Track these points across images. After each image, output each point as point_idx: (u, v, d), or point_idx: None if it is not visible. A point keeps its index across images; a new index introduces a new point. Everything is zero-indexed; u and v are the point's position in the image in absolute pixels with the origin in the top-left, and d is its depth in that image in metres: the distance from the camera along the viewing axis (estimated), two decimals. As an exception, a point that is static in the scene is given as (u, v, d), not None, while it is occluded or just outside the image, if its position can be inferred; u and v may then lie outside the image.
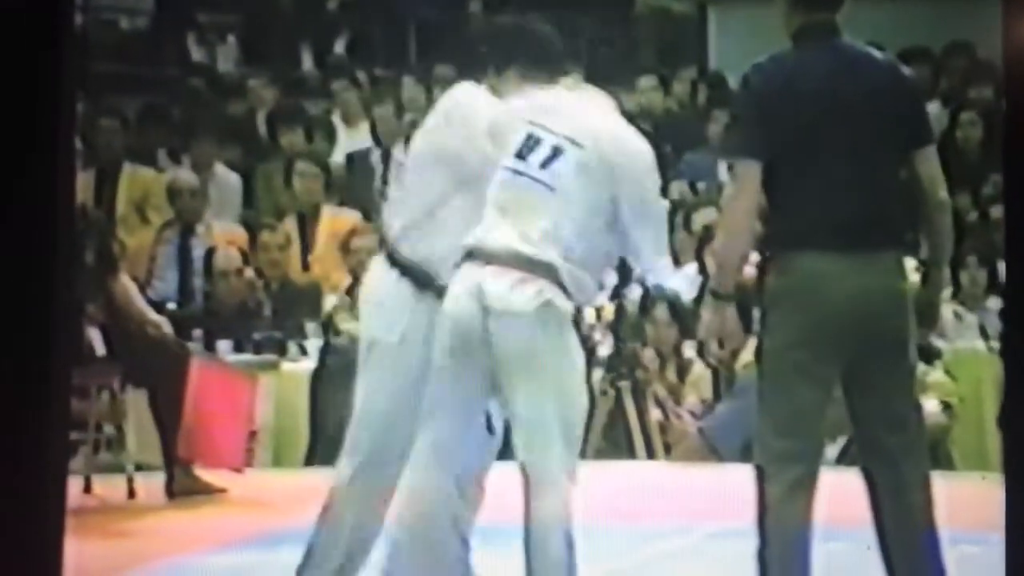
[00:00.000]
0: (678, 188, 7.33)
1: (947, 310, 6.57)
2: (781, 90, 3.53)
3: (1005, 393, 3.37)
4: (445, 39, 8.42)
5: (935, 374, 6.06)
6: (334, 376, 6.13)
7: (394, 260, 3.79)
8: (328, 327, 6.45)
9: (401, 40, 9.13)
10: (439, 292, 3.69)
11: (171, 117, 8.19)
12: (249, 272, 6.85)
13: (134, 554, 4.91)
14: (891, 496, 3.63)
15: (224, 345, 6.55)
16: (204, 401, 5.79)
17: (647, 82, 8.13)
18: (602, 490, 4.93)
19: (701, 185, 7.50)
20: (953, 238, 3.67)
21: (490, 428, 3.66)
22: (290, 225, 7.23)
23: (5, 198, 2.92)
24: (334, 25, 9.32)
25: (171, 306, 6.76)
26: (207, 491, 5.69)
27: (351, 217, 7.16)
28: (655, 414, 6.16)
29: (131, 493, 5.73)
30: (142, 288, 6.33)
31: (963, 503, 4.47)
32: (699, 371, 6.22)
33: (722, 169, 7.35)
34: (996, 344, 6.23)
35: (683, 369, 6.27)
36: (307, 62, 9.21)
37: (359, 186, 7.58)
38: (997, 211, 6.86)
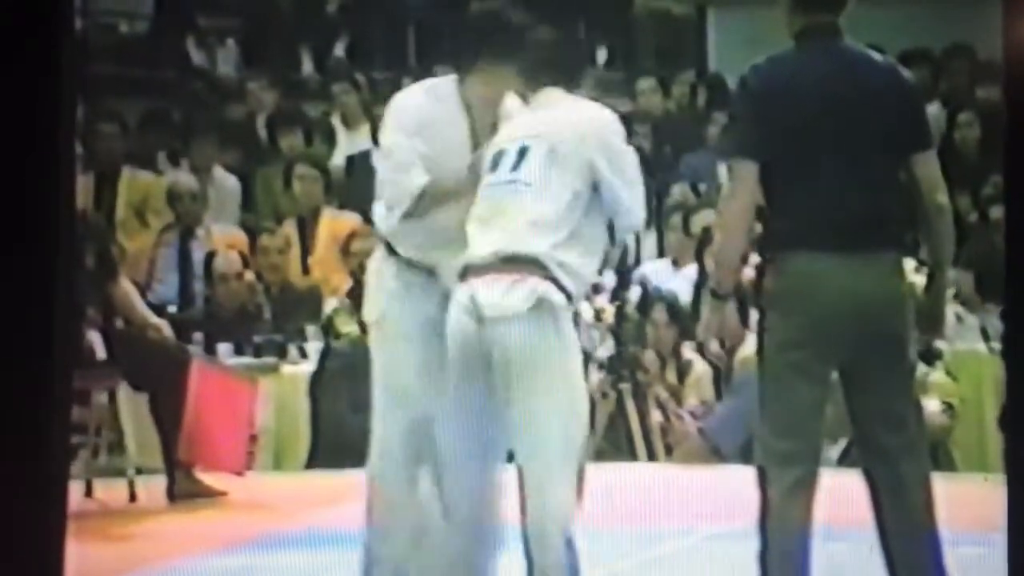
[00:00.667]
0: (679, 190, 7.33)
1: (948, 311, 6.57)
2: (779, 91, 3.55)
3: (1007, 394, 3.38)
4: (444, 41, 8.42)
5: (936, 375, 6.06)
6: (334, 379, 6.13)
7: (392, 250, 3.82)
8: (328, 330, 6.45)
9: (401, 43, 9.13)
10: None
11: (171, 121, 8.19)
12: (249, 275, 6.85)
13: (135, 557, 4.92)
14: (891, 496, 3.64)
15: (224, 348, 6.56)
16: (205, 404, 5.79)
17: (646, 84, 8.13)
18: (603, 492, 4.93)
19: (702, 187, 7.50)
20: (954, 242, 3.68)
21: None
22: (290, 228, 7.23)
23: (5, 202, 2.92)
24: (333, 28, 9.32)
25: (171, 309, 6.77)
26: (208, 494, 5.69)
27: (351, 220, 7.16)
28: (656, 415, 6.17)
29: (132, 496, 5.73)
30: (142, 291, 6.33)
31: (964, 504, 4.47)
32: (699, 372, 6.23)
33: (722, 171, 7.34)
34: (997, 345, 6.23)
35: (683, 370, 6.27)
36: (307, 65, 9.21)
37: (359, 189, 7.58)
38: (997, 212, 6.87)
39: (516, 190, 3.62)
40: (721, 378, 6.20)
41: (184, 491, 5.67)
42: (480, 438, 3.66)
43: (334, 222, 7.22)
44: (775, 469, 3.57)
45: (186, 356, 5.86)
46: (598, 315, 6.01)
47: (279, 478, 6.20)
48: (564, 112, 3.68)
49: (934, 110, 8.01)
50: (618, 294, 6.18)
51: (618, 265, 6.40)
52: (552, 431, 3.59)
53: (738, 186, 3.55)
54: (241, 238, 7.31)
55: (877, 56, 3.67)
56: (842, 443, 6.13)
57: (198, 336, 6.52)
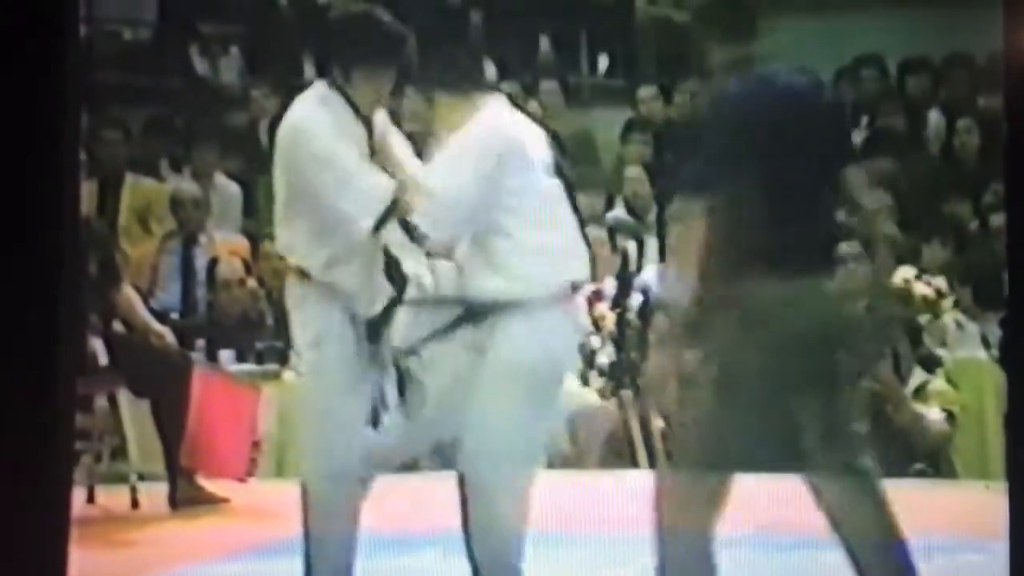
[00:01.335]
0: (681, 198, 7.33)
1: (948, 319, 6.58)
2: (720, 123, 3.59)
3: (1008, 401, 3.38)
4: (447, 50, 8.42)
5: (936, 383, 6.07)
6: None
7: None
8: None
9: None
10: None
11: (173, 127, 8.20)
12: (251, 282, 6.86)
13: (137, 564, 4.92)
14: (842, 510, 3.63)
15: (227, 355, 6.56)
16: (207, 411, 5.79)
17: (647, 92, 8.14)
18: (605, 498, 4.93)
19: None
20: (891, 250, 3.71)
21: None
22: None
23: (9, 208, 2.93)
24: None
25: (174, 316, 6.77)
26: (210, 501, 5.69)
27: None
28: (657, 422, 6.17)
29: (134, 503, 5.74)
30: (145, 298, 6.34)
31: (965, 511, 4.48)
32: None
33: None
34: (997, 353, 6.24)
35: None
36: (309, 72, 9.22)
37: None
38: (997, 220, 6.88)
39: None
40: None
41: (186, 498, 5.67)
42: None
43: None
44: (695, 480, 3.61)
45: (188, 363, 5.86)
46: (598, 322, 6.02)
47: (281, 485, 6.19)
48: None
49: (934, 117, 8.03)
50: (619, 301, 6.18)
51: (619, 272, 6.41)
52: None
53: (691, 222, 3.61)
54: (243, 245, 7.31)
55: (800, 77, 3.68)
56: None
57: (200, 343, 6.53)
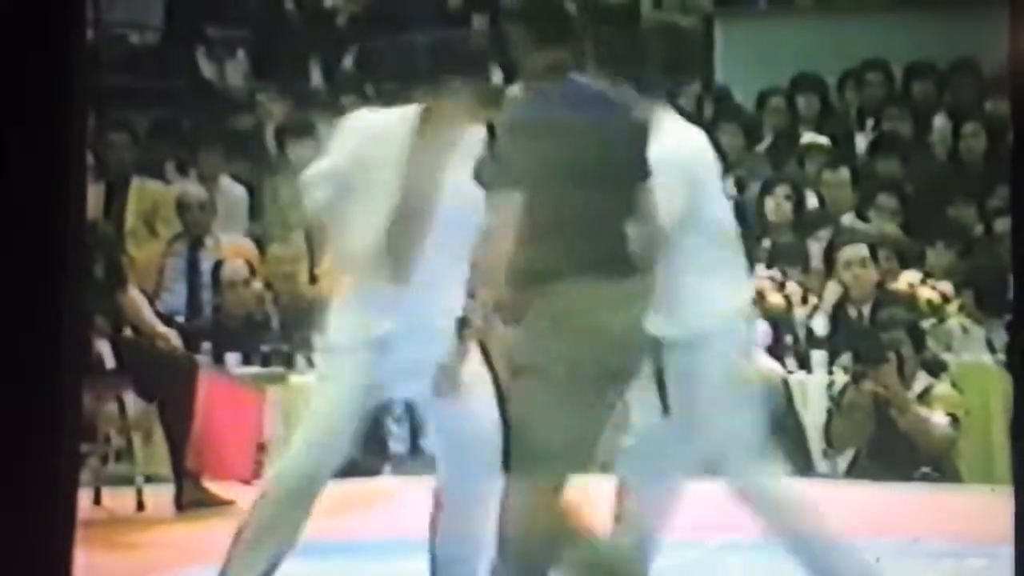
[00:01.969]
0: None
1: (953, 323, 6.58)
2: (526, 123, 3.61)
3: (1014, 405, 3.37)
4: (454, 53, 8.41)
5: (941, 387, 6.07)
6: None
7: None
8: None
9: (409, 54, 9.14)
10: None
11: (180, 131, 8.21)
12: (257, 285, 6.87)
13: (143, 566, 4.93)
14: (649, 511, 3.71)
15: (232, 358, 6.57)
16: (213, 413, 5.80)
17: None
18: (610, 503, 4.93)
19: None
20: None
21: None
22: (298, 238, 7.24)
23: (15, 210, 2.94)
24: (343, 39, 9.35)
25: (180, 319, 6.78)
26: (216, 503, 5.70)
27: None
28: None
29: (140, 505, 5.74)
30: (151, 301, 6.35)
31: (971, 516, 4.47)
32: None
33: (727, 183, 7.37)
34: (1002, 357, 6.23)
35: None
36: (316, 76, 9.23)
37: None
38: (1002, 225, 6.88)
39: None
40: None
41: (192, 500, 5.68)
42: None
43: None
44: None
45: (194, 365, 5.87)
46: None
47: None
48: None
49: (939, 122, 8.03)
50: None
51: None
52: None
53: (500, 218, 3.62)
54: (249, 247, 7.32)
55: (608, 89, 3.69)
56: (849, 454, 6.14)
57: (206, 345, 6.54)
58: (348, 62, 9.27)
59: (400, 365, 3.77)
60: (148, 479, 5.84)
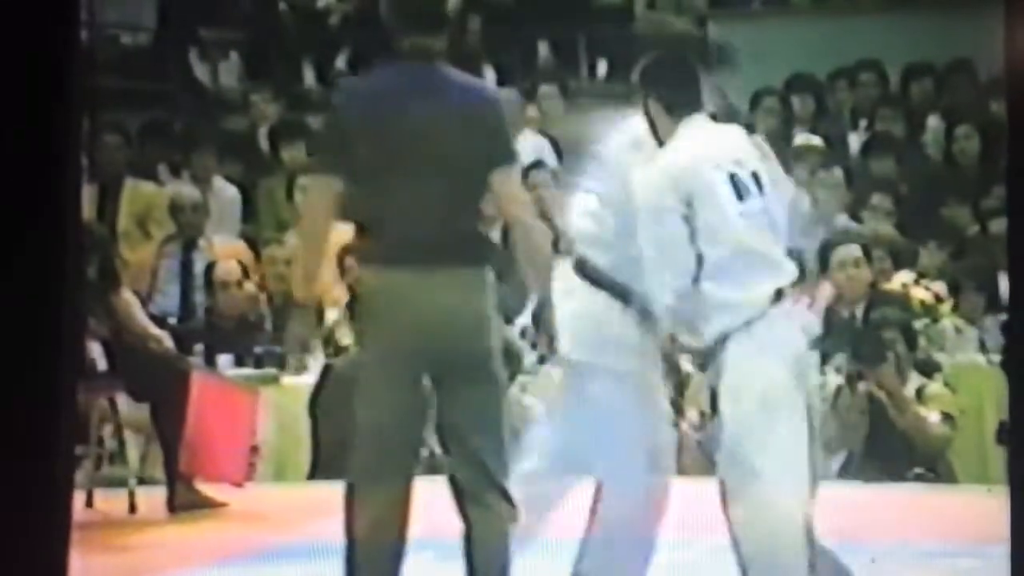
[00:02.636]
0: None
1: (947, 323, 6.58)
2: (362, 108, 3.60)
3: (1009, 406, 3.38)
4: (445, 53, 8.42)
5: (934, 387, 6.07)
6: (336, 390, 6.13)
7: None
8: (329, 342, 6.45)
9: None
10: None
11: (173, 132, 8.20)
12: (250, 286, 6.85)
13: (136, 568, 4.92)
14: (474, 502, 3.63)
15: (225, 359, 6.56)
16: (205, 415, 5.78)
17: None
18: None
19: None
20: (544, 256, 3.66)
21: None
22: (291, 239, 7.23)
23: (10, 213, 2.93)
24: (335, 40, 9.33)
25: (172, 321, 6.76)
26: (208, 505, 5.68)
27: (345, 232, 7.15)
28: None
29: (132, 507, 5.73)
30: (144, 303, 6.33)
31: (964, 516, 4.47)
32: (697, 384, 6.22)
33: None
34: (996, 357, 6.24)
35: (682, 383, 6.27)
36: (309, 77, 9.22)
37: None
38: (996, 225, 6.88)
39: (765, 222, 3.81)
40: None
41: (185, 502, 5.67)
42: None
43: (334, 233, 7.21)
44: (366, 487, 3.58)
45: (187, 367, 5.86)
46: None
47: (280, 489, 6.20)
48: (733, 137, 3.85)
49: (933, 123, 8.03)
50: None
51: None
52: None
53: (312, 202, 3.69)
54: (242, 249, 7.31)
55: (466, 78, 3.68)
56: (842, 455, 6.14)
57: (199, 347, 6.52)
58: (341, 62, 9.25)
59: None
60: (141, 481, 5.83)
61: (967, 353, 6.42)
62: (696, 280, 3.75)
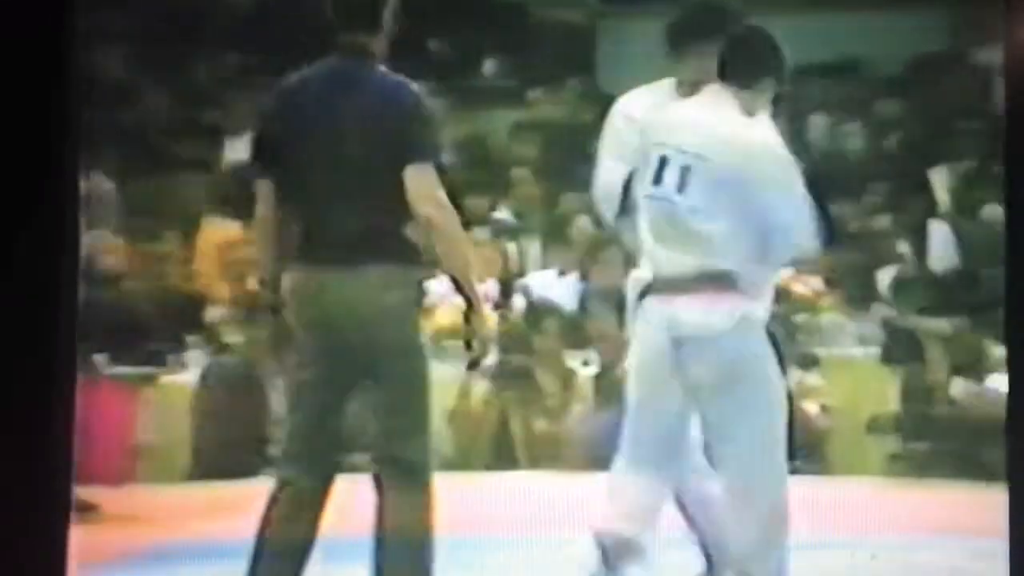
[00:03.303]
0: (570, 199, 7.34)
1: (825, 318, 6.66)
2: (283, 109, 3.64)
3: (1009, 401, 3.41)
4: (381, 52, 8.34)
5: (812, 379, 6.13)
6: (217, 388, 6.07)
7: None
8: (212, 340, 6.39)
9: (302, 51, 9.05)
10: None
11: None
12: (129, 283, 6.77)
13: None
14: (399, 497, 3.64)
15: (102, 358, 6.46)
16: (82, 414, 5.67)
17: (537, 93, 8.15)
18: (489, 500, 4.92)
19: (587, 197, 7.53)
20: (461, 252, 3.66)
21: None
22: (172, 236, 7.16)
23: (7, 214, 2.93)
24: (229, 35, 9.24)
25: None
26: (83, 509, 5.58)
27: (231, 228, 7.10)
28: (540, 424, 6.18)
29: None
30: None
31: (840, 507, 4.51)
32: (583, 380, 6.25)
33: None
34: (874, 350, 6.33)
35: (567, 379, 6.28)
36: (200, 72, 9.13)
37: (243, 197, 7.51)
38: (879, 221, 6.97)
39: (683, 212, 3.71)
40: (603, 387, 6.22)
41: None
42: (664, 449, 3.73)
43: (217, 231, 7.15)
44: (286, 484, 3.61)
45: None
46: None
47: (159, 490, 6.12)
48: (735, 142, 3.76)
49: (819, 121, 8.10)
50: (502, 303, 6.18)
51: (502, 275, 6.41)
52: (754, 440, 3.67)
53: (259, 203, 3.67)
54: (121, 245, 7.21)
55: (386, 76, 3.68)
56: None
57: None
58: (234, 58, 9.17)
59: None
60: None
61: (844, 347, 6.51)
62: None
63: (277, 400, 5.61)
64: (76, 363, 3.53)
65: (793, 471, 6.01)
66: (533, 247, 7.00)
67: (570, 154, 7.71)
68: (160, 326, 6.69)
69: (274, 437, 6.50)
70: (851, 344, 6.52)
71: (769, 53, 3.84)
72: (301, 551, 3.57)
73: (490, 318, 6.04)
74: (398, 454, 3.60)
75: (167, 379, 6.39)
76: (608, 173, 3.98)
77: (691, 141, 3.75)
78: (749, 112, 3.81)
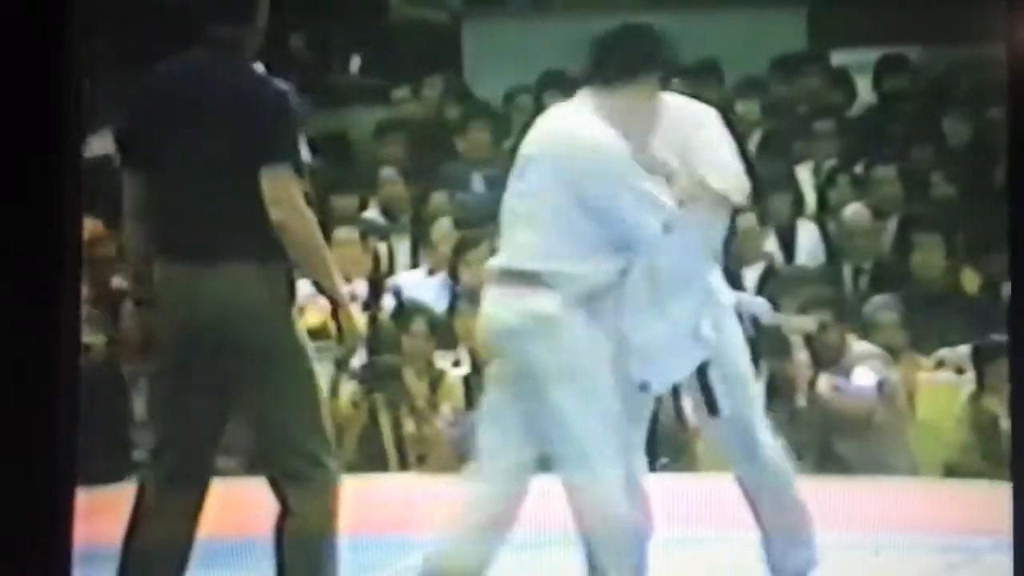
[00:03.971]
0: (436, 199, 7.33)
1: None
2: (144, 102, 3.66)
3: (1011, 400, 3.45)
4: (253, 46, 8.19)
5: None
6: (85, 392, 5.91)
7: None
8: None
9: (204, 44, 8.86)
10: None
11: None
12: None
13: None
14: (300, 496, 3.64)
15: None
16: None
17: (401, 93, 8.13)
18: (357, 502, 4.88)
19: (458, 196, 7.53)
20: (317, 260, 3.66)
21: None
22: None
23: (8, 213, 2.86)
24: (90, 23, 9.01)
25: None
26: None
27: (92, 226, 6.92)
28: (409, 425, 6.15)
29: None
30: None
31: (709, 502, 4.55)
32: (452, 381, 6.23)
33: (476, 179, 7.40)
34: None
35: (436, 379, 6.26)
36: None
37: (101, 193, 7.34)
38: (746, 220, 7.07)
39: (521, 203, 3.82)
40: (473, 388, 6.22)
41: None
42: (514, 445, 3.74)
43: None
44: (158, 485, 3.59)
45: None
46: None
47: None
48: (561, 135, 3.83)
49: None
50: (371, 303, 6.14)
51: (370, 274, 6.37)
52: (583, 434, 3.65)
53: (125, 195, 3.67)
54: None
55: (253, 72, 3.67)
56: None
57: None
58: (100, 45, 8.94)
59: None
60: None
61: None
62: None
63: (140, 402, 5.50)
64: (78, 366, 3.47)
65: (660, 469, 6.10)
66: (403, 246, 6.97)
67: (436, 153, 7.70)
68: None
69: (139, 441, 6.38)
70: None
71: (646, 47, 3.89)
72: (176, 559, 3.49)
73: (358, 318, 6.02)
74: (301, 451, 3.55)
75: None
76: None
77: (553, 139, 3.88)
78: (617, 110, 3.85)
